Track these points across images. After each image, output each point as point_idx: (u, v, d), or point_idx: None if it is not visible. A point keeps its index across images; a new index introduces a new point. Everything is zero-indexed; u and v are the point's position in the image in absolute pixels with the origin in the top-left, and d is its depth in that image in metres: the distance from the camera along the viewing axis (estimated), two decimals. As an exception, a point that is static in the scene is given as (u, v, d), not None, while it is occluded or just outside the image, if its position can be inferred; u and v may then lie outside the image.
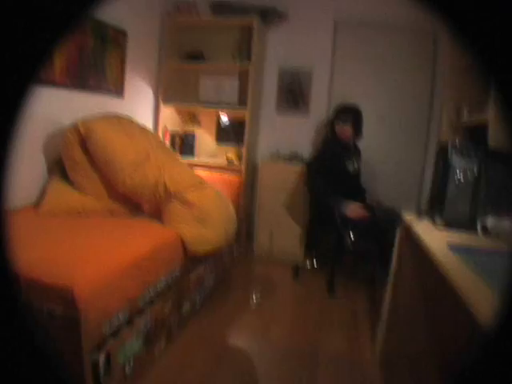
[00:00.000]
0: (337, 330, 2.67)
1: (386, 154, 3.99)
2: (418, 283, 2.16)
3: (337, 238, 3.29)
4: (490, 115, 2.41)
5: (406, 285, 2.19)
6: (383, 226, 3.14)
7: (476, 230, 1.70)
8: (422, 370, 2.19)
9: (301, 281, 3.49)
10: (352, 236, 3.17)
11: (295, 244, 3.80)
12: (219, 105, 4.05)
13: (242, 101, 3.94)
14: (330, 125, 3.49)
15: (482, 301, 1.00)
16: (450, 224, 1.83)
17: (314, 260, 3.67)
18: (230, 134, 4.16)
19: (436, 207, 1.94)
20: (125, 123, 2.81)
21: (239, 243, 3.65)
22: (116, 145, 2.53)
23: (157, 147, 2.79)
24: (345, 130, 3.37)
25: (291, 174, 3.74)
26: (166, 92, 4.08)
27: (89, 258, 1.76)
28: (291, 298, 3.20)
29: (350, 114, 3.38)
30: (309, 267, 3.68)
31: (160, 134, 4.04)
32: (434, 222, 1.91)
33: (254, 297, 2.94)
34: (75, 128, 2.54)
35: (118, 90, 3.41)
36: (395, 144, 4.01)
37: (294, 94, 4.16)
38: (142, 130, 2.92)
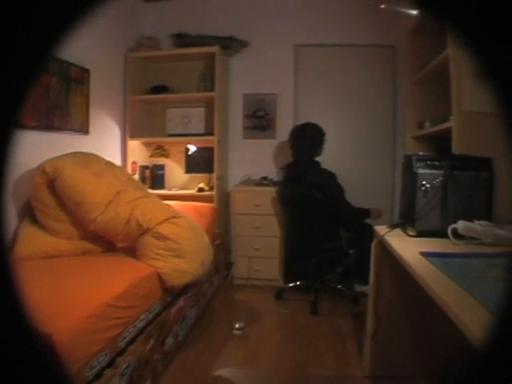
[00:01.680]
0: (324, 350, 2.67)
1: (355, 171, 4.07)
2: (398, 295, 2.19)
3: (324, 256, 3.37)
4: (453, 124, 2.51)
5: (387, 297, 2.21)
6: (361, 241, 3.20)
7: (447, 236, 1.75)
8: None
9: (284, 304, 3.49)
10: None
11: (275, 267, 3.81)
12: (186, 135, 4.09)
13: (210, 129, 3.99)
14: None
15: (460, 304, 1.03)
16: (422, 233, 1.88)
17: (296, 281, 3.67)
18: (199, 163, 4.18)
19: (407, 218, 2.00)
20: (92, 161, 2.80)
21: (218, 272, 3.63)
22: (84, 184, 2.51)
23: (126, 183, 2.78)
24: None
25: (264, 197, 3.78)
26: (132, 126, 4.10)
27: (65, 302, 1.73)
28: (275, 322, 3.19)
29: None
30: (291, 289, 3.67)
31: (129, 168, 4.03)
32: (406, 232, 1.96)
33: (237, 325, 2.92)
34: (42, 169, 2.50)
35: (84, 127, 3.40)
36: (364, 160, 4.11)
37: (260, 119, 4.24)
38: (111, 166, 2.92)
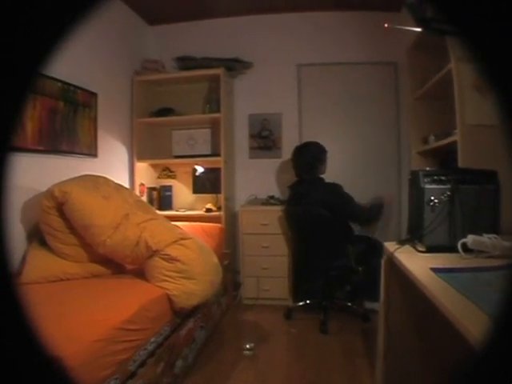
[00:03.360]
0: (334, 369, 2.64)
1: (361, 188, 4.05)
2: (408, 311, 2.16)
3: (332, 273, 3.37)
4: (457, 137, 2.52)
5: (397, 314, 2.19)
6: (369, 258, 3.19)
7: (457, 250, 1.74)
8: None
9: (293, 323, 3.45)
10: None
11: (283, 286, 3.79)
12: (193, 156, 4.12)
13: (216, 150, 4.03)
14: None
15: (470, 318, 1.02)
16: (431, 248, 1.86)
17: (305, 300, 3.64)
18: (206, 184, 4.20)
19: (415, 233, 1.98)
20: (101, 184, 2.82)
21: (227, 293, 3.61)
22: (93, 207, 2.53)
23: (135, 205, 2.80)
24: None
25: (271, 216, 3.78)
26: (139, 149, 4.14)
27: (74, 326, 1.72)
28: (285, 342, 3.16)
29: None
30: (300, 308, 3.63)
31: (137, 190, 4.06)
32: (415, 248, 1.94)
33: (246, 346, 2.89)
34: (51, 193, 2.52)
35: (92, 150, 3.44)
36: (369, 177, 4.11)
37: (265, 139, 4.27)
38: (119, 188, 2.94)
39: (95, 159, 3.49)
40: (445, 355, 2.10)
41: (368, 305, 3.46)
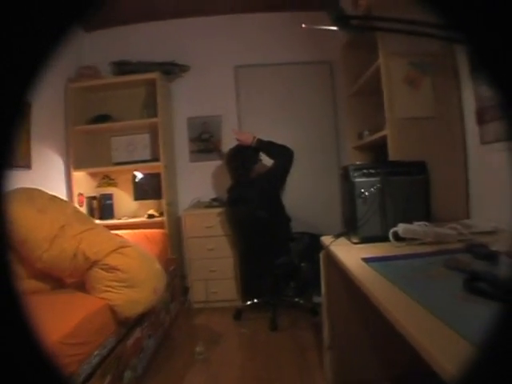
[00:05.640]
0: (286, 365, 2.68)
1: (303, 185, 4.15)
2: (351, 302, 2.24)
3: (279, 271, 3.43)
4: (388, 132, 2.62)
5: (340, 305, 2.25)
6: (312, 253, 3.26)
7: (389, 240, 1.82)
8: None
9: (243, 323, 3.48)
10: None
11: (231, 287, 3.81)
12: (132, 163, 4.05)
13: (156, 155, 3.98)
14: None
15: (397, 305, 1.07)
16: (365, 239, 1.94)
17: (254, 299, 3.67)
18: (147, 190, 4.15)
19: (349, 226, 2.06)
20: (35, 196, 2.71)
21: (175, 299, 3.58)
22: (27, 221, 2.43)
23: (71, 216, 2.71)
24: None
25: (214, 218, 3.79)
26: (76, 157, 4.00)
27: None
28: (236, 342, 3.18)
29: None
30: (249, 308, 3.66)
31: (75, 200, 3.93)
32: (350, 240, 2.02)
33: (197, 349, 2.88)
34: (-20, 210, 2.42)
35: (25, 162, 3.29)
36: (311, 173, 4.20)
37: (206, 142, 4.26)
38: (54, 200, 2.83)
39: (29, 171, 3.35)
40: (388, 344, 2.19)
41: (316, 299, 3.52)
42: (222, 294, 3.82)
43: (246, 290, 3.79)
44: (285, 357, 2.80)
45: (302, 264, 3.37)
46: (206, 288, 3.82)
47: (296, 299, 3.59)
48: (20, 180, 3.14)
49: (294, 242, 3.46)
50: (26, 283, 2.51)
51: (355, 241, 1.97)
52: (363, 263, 1.52)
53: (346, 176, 2.07)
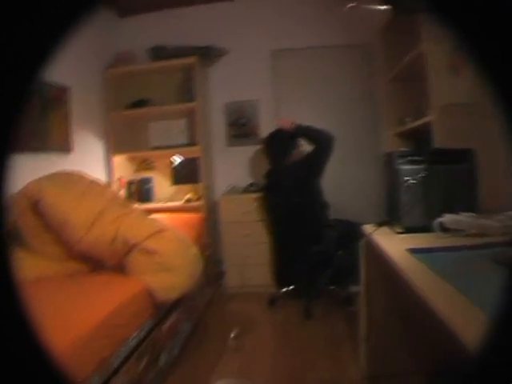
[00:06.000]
0: (320, 354, 2.66)
1: (340, 173, 4.06)
2: (389, 294, 2.18)
3: (314, 259, 3.38)
4: (433, 118, 2.52)
5: (379, 296, 2.20)
6: (349, 241, 3.20)
7: (433, 230, 1.75)
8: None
9: (277, 310, 3.47)
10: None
11: (266, 273, 3.79)
12: (170, 147, 4.07)
13: (193, 140, 3.98)
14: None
15: (442, 297, 1.02)
16: (408, 229, 1.87)
17: (288, 286, 3.65)
18: (185, 174, 4.17)
19: (392, 215, 1.99)
20: (75, 180, 2.78)
21: (210, 283, 3.61)
22: (68, 205, 2.49)
23: (110, 200, 2.75)
24: None
25: (251, 203, 3.78)
26: (115, 142, 4.08)
27: (54, 325, 1.69)
28: (269, 330, 3.17)
29: None
30: (283, 295, 3.64)
31: (115, 184, 4.01)
32: (392, 229, 1.95)
33: (231, 335, 2.89)
34: (24, 193, 2.49)
35: (66, 146, 3.38)
36: (348, 161, 4.10)
37: (243, 126, 4.23)
38: (94, 184, 2.89)
39: (69, 155, 3.43)
40: (427, 337, 2.13)
41: (352, 288, 3.47)
42: (256, 279, 3.82)
43: (281, 277, 3.75)
44: (318, 346, 2.78)
45: (339, 252, 3.31)
46: (241, 273, 3.83)
47: (331, 288, 3.55)
48: (60, 164, 3.21)
49: (331, 229, 3.40)
50: (67, 265, 2.58)
51: (398, 230, 1.90)
52: (408, 254, 1.46)
53: (389, 163, 2.00)
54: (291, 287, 3.62)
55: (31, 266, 2.49)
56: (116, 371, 1.88)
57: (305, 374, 2.43)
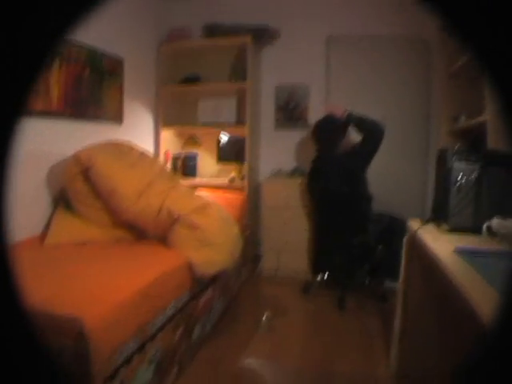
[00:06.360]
0: (350, 346, 2.66)
1: (388, 165, 3.99)
2: (428, 293, 2.15)
3: (354, 251, 3.37)
4: (488, 118, 2.44)
5: (416, 295, 2.17)
6: (390, 236, 3.17)
7: (481, 232, 1.71)
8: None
9: (311, 298, 3.48)
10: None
11: (303, 260, 3.81)
12: (218, 124, 4.11)
13: (241, 120, 4.00)
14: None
15: (488, 303, 1.01)
16: (455, 228, 1.84)
17: (324, 275, 3.65)
18: (230, 153, 4.20)
19: (440, 213, 1.96)
20: (125, 150, 2.86)
21: (246, 264, 3.65)
22: (118, 174, 2.57)
23: (158, 173, 2.83)
24: None
25: (294, 189, 3.78)
26: (165, 116, 4.16)
27: (97, 288, 1.77)
28: (302, 316, 3.20)
29: None
30: (318, 283, 3.66)
31: (161, 157, 4.11)
32: (439, 227, 1.92)
33: (264, 318, 2.93)
34: (77, 159, 2.58)
35: (117, 116, 3.48)
36: (396, 154, 4.03)
37: (292, 110, 4.22)
38: (143, 156, 2.97)
39: (121, 126, 3.53)
40: (462, 339, 2.10)
41: (388, 284, 3.44)
42: (293, 265, 3.83)
43: (318, 265, 3.75)
44: (349, 338, 2.78)
45: (379, 246, 3.28)
46: (277, 258, 3.85)
47: (367, 282, 3.53)
48: (111, 134, 3.32)
49: (373, 222, 3.37)
50: (112, 231, 2.68)
51: (445, 228, 1.87)
52: (455, 254, 1.44)
53: (442, 160, 1.96)
54: (327, 277, 3.63)
55: (77, 230, 2.60)
56: (152, 338, 1.94)
57: (334, 365, 2.43)
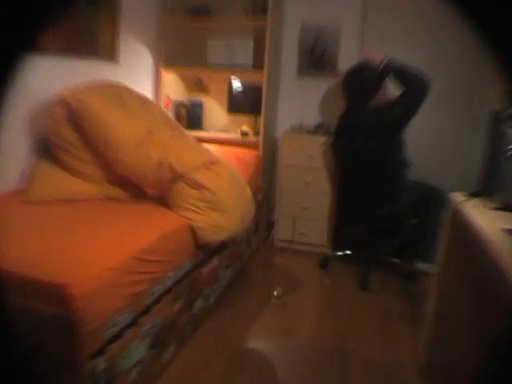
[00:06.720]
0: (368, 326, 2.72)
1: (427, 127, 3.92)
2: (466, 277, 2.14)
3: (381, 224, 3.36)
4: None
5: (455, 281, 2.16)
6: (425, 209, 3.16)
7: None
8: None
9: (329, 273, 3.52)
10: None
11: (323, 231, 3.81)
12: (231, 67, 4.02)
13: (258, 64, 3.90)
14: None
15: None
16: (507, 205, 1.82)
17: (346, 249, 3.67)
18: (244, 103, 4.14)
19: (488, 186, 1.93)
20: (122, 94, 2.79)
21: (258, 231, 3.67)
22: (114, 120, 2.52)
23: (160, 121, 2.78)
24: None
25: (317, 147, 3.74)
26: (167, 54, 4.07)
27: (86, 251, 1.78)
28: (317, 293, 3.23)
29: None
30: (338, 258, 3.68)
31: (161, 102, 4.04)
32: (485, 203, 1.90)
33: (275, 292, 2.97)
34: (63, 100, 2.52)
35: (112, 54, 3.40)
36: (437, 115, 3.94)
37: (319, 55, 4.12)
38: (143, 100, 2.91)
39: (115, 64, 3.45)
40: (496, 331, 2.10)
41: (418, 265, 3.44)
42: (310, 236, 3.85)
43: (339, 238, 3.76)
44: (368, 319, 2.82)
45: (411, 220, 3.26)
46: (293, 226, 3.87)
47: (395, 260, 3.54)
48: (104, 73, 3.26)
49: (407, 191, 3.32)
50: (104, 188, 2.66)
51: (493, 205, 1.85)
52: (506, 235, 1.43)
53: (495, 123, 1.91)
54: (348, 252, 3.64)
55: (63, 185, 2.58)
56: (147, 310, 1.97)
57: (349, 350, 2.47)
